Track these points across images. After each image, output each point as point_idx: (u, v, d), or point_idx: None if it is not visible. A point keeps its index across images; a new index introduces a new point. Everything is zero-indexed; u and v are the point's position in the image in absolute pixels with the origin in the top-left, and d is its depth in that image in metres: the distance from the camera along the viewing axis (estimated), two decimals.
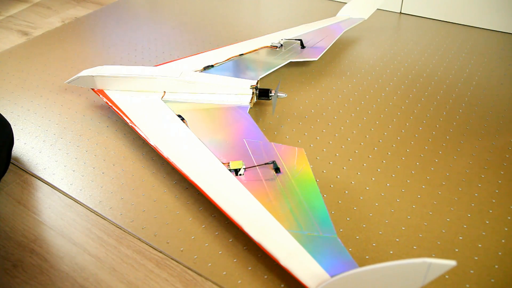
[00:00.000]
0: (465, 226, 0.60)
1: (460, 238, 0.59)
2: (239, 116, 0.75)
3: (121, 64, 1.02)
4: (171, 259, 0.57)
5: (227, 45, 0.98)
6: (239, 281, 0.54)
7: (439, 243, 0.58)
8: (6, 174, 0.71)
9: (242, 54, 0.93)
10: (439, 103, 0.85)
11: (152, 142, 0.69)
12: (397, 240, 0.59)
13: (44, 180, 0.70)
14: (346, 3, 1.18)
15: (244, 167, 0.63)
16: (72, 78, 0.83)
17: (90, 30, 1.20)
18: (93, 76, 0.80)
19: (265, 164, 0.64)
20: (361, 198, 0.65)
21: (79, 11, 1.33)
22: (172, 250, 0.58)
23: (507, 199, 0.64)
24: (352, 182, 0.68)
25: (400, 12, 1.25)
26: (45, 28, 1.22)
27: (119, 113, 0.76)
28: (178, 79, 0.78)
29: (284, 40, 0.98)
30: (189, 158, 0.66)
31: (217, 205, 0.58)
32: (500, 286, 0.53)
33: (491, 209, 0.63)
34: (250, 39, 1.01)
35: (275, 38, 0.99)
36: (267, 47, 0.96)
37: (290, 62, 0.93)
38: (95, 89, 0.82)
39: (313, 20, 1.11)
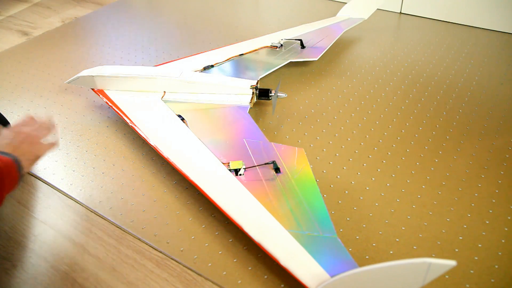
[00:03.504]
0: (465, 226, 0.60)
1: (460, 238, 0.59)
2: (239, 116, 0.75)
3: (121, 64, 1.02)
4: (171, 259, 0.57)
5: (227, 45, 0.98)
6: (239, 281, 0.54)
7: (439, 243, 0.58)
8: None
9: (242, 54, 0.93)
10: (439, 103, 0.85)
11: (152, 142, 0.69)
12: (397, 240, 0.59)
13: (44, 180, 0.70)
14: (346, 3, 1.18)
15: (244, 167, 0.63)
16: (72, 78, 0.83)
17: (90, 30, 1.20)
18: (93, 76, 0.80)
19: (265, 164, 0.64)
20: (361, 198, 0.65)
21: (79, 11, 1.33)
22: (172, 250, 0.58)
23: (507, 199, 0.64)
24: (352, 182, 0.68)
25: (400, 12, 1.25)
26: (45, 28, 1.22)
27: (119, 113, 0.76)
28: (178, 79, 0.78)
29: (284, 40, 0.98)
30: (189, 158, 0.66)
31: (217, 205, 0.58)
32: (500, 286, 0.53)
33: (491, 209, 0.63)
34: (250, 39, 1.01)
35: (275, 38, 0.99)
36: (267, 47, 0.96)
37: (290, 62, 0.93)
38: (95, 89, 0.82)
39: (313, 20, 1.11)
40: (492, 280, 0.53)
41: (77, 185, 0.69)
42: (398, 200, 0.64)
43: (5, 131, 0.58)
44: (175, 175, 0.70)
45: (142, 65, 1.01)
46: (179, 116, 0.74)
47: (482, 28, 1.14)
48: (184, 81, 0.79)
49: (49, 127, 0.61)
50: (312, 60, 0.94)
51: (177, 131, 0.71)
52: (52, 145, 0.60)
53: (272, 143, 0.68)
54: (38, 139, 0.58)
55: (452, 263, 0.40)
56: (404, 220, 0.61)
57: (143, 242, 0.60)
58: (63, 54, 1.07)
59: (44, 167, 0.72)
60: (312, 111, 0.84)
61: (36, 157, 0.57)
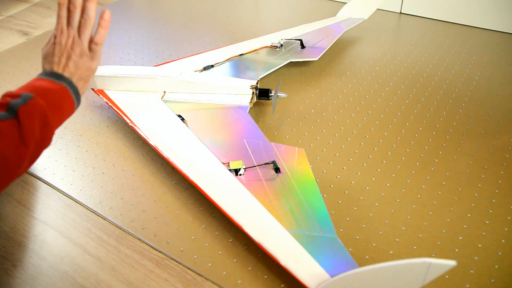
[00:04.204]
0: (465, 226, 0.60)
1: (460, 238, 0.59)
2: (239, 116, 0.75)
3: (121, 64, 1.02)
4: (171, 259, 0.57)
5: (227, 45, 0.98)
6: (239, 281, 0.54)
7: (439, 243, 0.58)
8: None
9: (242, 54, 0.93)
10: (439, 103, 0.85)
11: (152, 142, 0.69)
12: (397, 240, 0.59)
13: (44, 180, 0.70)
14: (346, 3, 1.18)
15: (244, 167, 0.63)
16: None
17: None
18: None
19: (265, 164, 0.64)
20: (361, 198, 0.65)
21: None
22: (172, 250, 0.58)
23: (507, 199, 0.64)
24: (352, 182, 0.68)
25: (400, 12, 1.25)
26: (45, 28, 1.22)
27: (119, 113, 0.76)
28: (178, 79, 0.78)
29: (284, 40, 0.98)
30: (189, 158, 0.66)
31: (217, 205, 0.58)
32: (500, 286, 0.53)
33: (491, 209, 0.63)
34: (250, 39, 1.01)
35: (275, 38, 0.99)
36: (267, 47, 0.96)
37: (290, 62, 0.93)
38: (95, 89, 0.82)
39: (313, 20, 1.11)
40: (492, 280, 0.53)
41: (77, 185, 0.69)
42: (398, 200, 0.64)
43: (45, 49, 0.49)
44: (175, 175, 0.70)
45: (142, 65, 1.01)
46: (179, 116, 0.74)
47: (482, 28, 1.14)
48: (184, 81, 0.79)
49: (87, 23, 0.50)
50: (312, 60, 0.94)
51: (177, 131, 0.71)
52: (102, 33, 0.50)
53: (272, 143, 0.68)
54: (85, 47, 0.50)
55: (452, 263, 0.40)
56: (404, 220, 0.61)
57: (143, 242, 0.60)
58: None
59: (44, 167, 0.72)
60: (312, 111, 0.84)
61: (92, 71, 0.50)
